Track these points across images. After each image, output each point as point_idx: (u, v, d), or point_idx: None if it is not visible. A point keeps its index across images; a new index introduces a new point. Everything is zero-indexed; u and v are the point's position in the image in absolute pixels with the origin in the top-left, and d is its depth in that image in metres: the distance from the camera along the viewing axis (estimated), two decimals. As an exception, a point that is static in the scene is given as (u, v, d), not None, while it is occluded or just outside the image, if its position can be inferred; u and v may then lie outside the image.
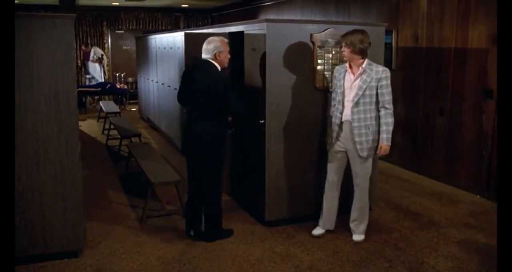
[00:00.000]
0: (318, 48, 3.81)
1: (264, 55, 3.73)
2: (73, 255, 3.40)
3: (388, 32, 5.57)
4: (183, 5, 11.74)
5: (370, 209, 3.96)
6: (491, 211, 4.41)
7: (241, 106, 3.50)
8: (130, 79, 12.26)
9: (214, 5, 11.63)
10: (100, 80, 11.47)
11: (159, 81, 7.73)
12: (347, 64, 3.54)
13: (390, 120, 3.48)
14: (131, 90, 11.59)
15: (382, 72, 3.43)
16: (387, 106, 3.46)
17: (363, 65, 3.45)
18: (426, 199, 4.80)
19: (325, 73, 3.88)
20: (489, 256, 3.49)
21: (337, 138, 3.60)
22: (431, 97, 5.44)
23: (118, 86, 11.10)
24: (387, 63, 5.44)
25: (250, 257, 3.46)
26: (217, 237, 3.73)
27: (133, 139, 6.63)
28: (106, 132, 7.77)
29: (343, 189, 3.79)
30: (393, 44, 5.91)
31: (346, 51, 3.44)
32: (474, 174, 4.92)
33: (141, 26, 12.35)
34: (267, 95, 3.73)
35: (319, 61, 3.84)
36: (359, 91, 3.43)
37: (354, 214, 3.75)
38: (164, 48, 7.23)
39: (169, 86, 6.95)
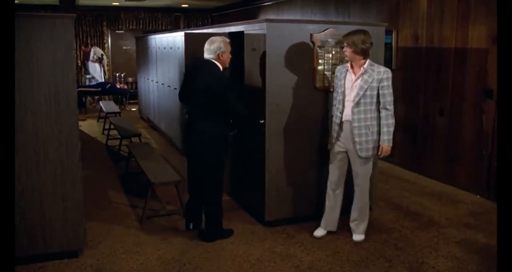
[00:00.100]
0: (318, 48, 3.81)
1: (263, 55, 3.73)
2: (73, 255, 3.40)
3: (388, 32, 5.57)
4: (183, 5, 11.74)
5: (370, 209, 3.96)
6: (491, 211, 4.41)
7: (241, 107, 3.50)
8: (130, 79, 12.26)
9: (214, 5, 11.63)
10: (100, 80, 11.46)
11: (159, 81, 7.73)
12: (348, 64, 3.54)
13: (391, 121, 3.48)
14: (131, 90, 11.59)
15: (383, 73, 3.43)
16: (388, 107, 3.46)
17: (365, 65, 3.45)
18: (426, 199, 4.80)
19: (325, 73, 3.88)
20: (489, 256, 3.49)
21: (338, 139, 3.60)
22: (431, 97, 5.44)
23: (118, 86, 11.10)
24: (387, 63, 5.43)
25: (250, 257, 3.46)
26: (217, 237, 3.73)
27: (133, 139, 6.63)
28: (106, 132, 7.77)
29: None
30: (393, 44, 5.91)
31: (348, 51, 3.44)
32: (474, 174, 4.92)
33: (141, 26, 12.35)
34: (267, 95, 3.73)
35: (319, 61, 3.84)
36: (360, 91, 3.43)
37: (354, 214, 3.75)
38: (164, 48, 7.23)
39: (169, 86, 6.95)
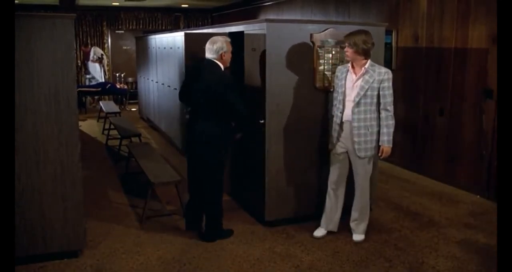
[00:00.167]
0: (318, 48, 3.81)
1: (263, 54, 3.73)
2: (73, 255, 3.40)
3: (388, 32, 5.56)
4: (183, 5, 11.74)
5: (370, 209, 3.96)
6: (491, 211, 4.41)
7: (241, 107, 3.50)
8: (130, 79, 12.26)
9: (214, 5, 11.63)
10: (100, 80, 11.46)
11: (159, 81, 7.73)
12: (349, 64, 3.54)
13: (391, 122, 3.49)
14: (131, 90, 11.59)
15: (384, 74, 3.43)
16: (388, 108, 3.47)
17: (366, 66, 3.45)
18: (426, 199, 4.80)
19: (325, 73, 3.88)
20: (489, 256, 3.49)
21: (338, 139, 3.60)
22: (431, 97, 5.44)
23: (118, 86, 11.10)
24: (387, 63, 5.43)
25: (250, 257, 3.46)
26: (217, 237, 3.73)
27: (133, 139, 6.63)
28: (106, 132, 7.77)
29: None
30: (393, 44, 5.91)
31: (349, 51, 3.44)
32: (474, 174, 4.92)
33: (141, 26, 12.35)
34: (267, 95, 3.73)
35: (319, 61, 3.84)
36: (360, 91, 3.43)
37: (354, 213, 3.76)
38: (164, 48, 7.23)
39: (169, 86, 6.95)
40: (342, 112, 3.54)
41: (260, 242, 3.72)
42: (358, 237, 3.74)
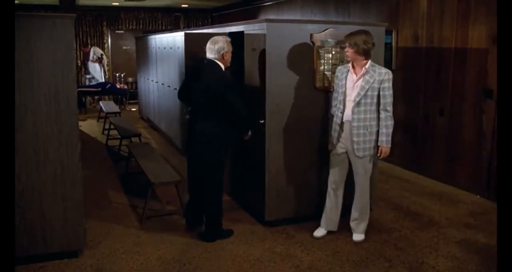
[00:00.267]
0: (318, 48, 3.81)
1: (262, 54, 3.73)
2: (73, 255, 3.40)
3: (388, 32, 5.57)
4: (183, 5, 11.74)
5: (370, 209, 3.96)
6: (491, 211, 4.41)
7: (241, 107, 3.50)
8: (130, 79, 12.26)
9: (214, 5, 11.63)
10: (100, 80, 11.46)
11: (159, 81, 7.73)
12: (349, 64, 3.54)
13: (390, 122, 3.49)
14: (131, 90, 11.59)
15: (385, 74, 3.44)
16: (388, 108, 3.47)
17: (366, 66, 3.45)
18: (426, 199, 4.80)
19: (325, 73, 3.88)
20: (489, 256, 3.49)
21: (339, 139, 3.60)
22: (431, 97, 5.44)
23: (118, 86, 11.10)
24: (387, 63, 5.43)
25: (250, 257, 3.46)
26: (217, 237, 3.73)
27: (133, 139, 6.63)
28: (106, 132, 7.77)
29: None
30: (393, 44, 5.91)
31: (349, 51, 3.44)
32: (474, 174, 4.92)
33: (141, 26, 12.35)
34: (267, 95, 3.73)
35: (319, 61, 3.84)
36: (361, 91, 3.43)
37: (354, 213, 3.76)
38: (164, 48, 7.23)
39: (169, 86, 6.95)
40: (342, 112, 3.54)
41: (260, 242, 3.72)
42: (358, 236, 3.74)
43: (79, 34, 11.71)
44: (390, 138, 3.51)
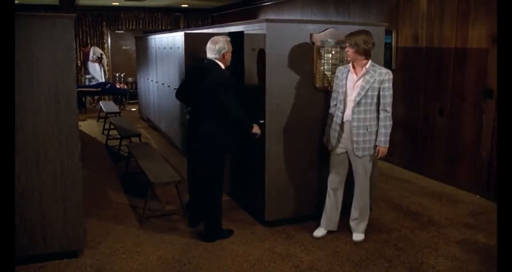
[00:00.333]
0: (318, 48, 3.81)
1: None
2: (73, 255, 3.40)
3: (388, 32, 5.57)
4: (183, 5, 11.74)
5: (370, 209, 3.96)
6: (491, 211, 4.41)
7: (234, 107, 3.45)
8: (130, 79, 12.26)
9: (214, 5, 11.63)
10: (100, 80, 11.46)
11: (159, 81, 7.73)
12: (350, 65, 3.54)
13: (389, 123, 3.49)
14: (131, 90, 11.59)
15: (385, 74, 3.44)
16: (387, 108, 3.47)
17: (367, 66, 3.45)
18: (426, 199, 4.80)
19: (325, 73, 3.88)
20: (489, 256, 3.49)
21: (339, 140, 3.60)
22: (431, 97, 5.44)
23: (118, 86, 11.10)
24: (387, 63, 5.44)
25: (250, 257, 3.46)
26: (217, 237, 3.73)
27: (133, 139, 6.63)
28: (106, 132, 7.77)
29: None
30: (393, 44, 5.91)
31: (350, 51, 3.44)
32: (474, 174, 4.92)
33: (141, 26, 12.35)
34: (267, 95, 3.73)
35: (319, 61, 3.84)
36: (361, 91, 3.43)
37: (354, 213, 3.76)
38: (164, 48, 7.23)
39: (169, 86, 6.95)
40: (343, 112, 3.55)
41: (260, 242, 3.72)
42: (358, 236, 3.74)
43: (79, 34, 11.71)
44: (388, 138, 3.51)
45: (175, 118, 6.67)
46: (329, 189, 3.75)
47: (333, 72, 3.79)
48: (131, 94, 11.31)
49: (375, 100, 3.46)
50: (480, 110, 4.80)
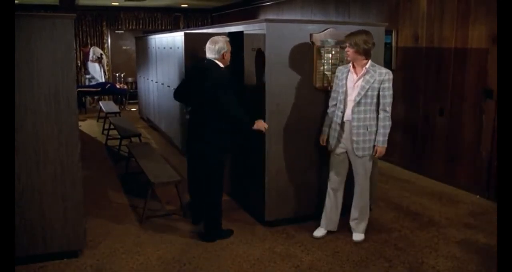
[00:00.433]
0: (318, 48, 3.81)
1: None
2: (73, 255, 3.40)
3: (388, 32, 5.57)
4: (183, 5, 11.73)
5: (370, 209, 3.96)
6: (491, 211, 4.41)
7: (231, 106, 3.44)
8: (130, 79, 12.26)
9: (214, 5, 11.63)
10: (100, 80, 11.46)
11: (159, 81, 7.73)
12: (350, 65, 3.54)
13: (388, 123, 3.49)
14: (131, 90, 11.59)
15: (385, 74, 3.44)
16: (387, 108, 3.47)
17: (367, 66, 3.45)
18: (426, 199, 4.80)
19: (325, 73, 3.88)
20: (489, 256, 3.49)
21: (339, 140, 3.60)
22: (431, 97, 5.44)
23: (118, 86, 11.10)
24: (387, 63, 5.44)
25: (250, 257, 3.46)
26: (217, 237, 3.73)
27: (133, 139, 6.63)
28: (106, 132, 7.77)
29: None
30: (393, 44, 5.91)
31: (350, 51, 3.44)
32: (474, 174, 4.92)
33: (141, 26, 12.35)
34: (267, 95, 3.73)
35: (319, 61, 3.84)
36: (361, 91, 3.43)
37: (354, 213, 3.76)
38: (164, 48, 7.23)
39: (169, 86, 6.95)
40: (343, 112, 3.55)
41: (260, 242, 3.72)
42: (358, 236, 3.74)
43: (79, 34, 11.71)
44: (386, 139, 3.51)
45: (175, 118, 6.67)
46: (329, 189, 3.75)
47: (333, 72, 3.79)
48: (131, 94, 11.31)
49: (375, 100, 3.46)
50: (480, 110, 4.80)
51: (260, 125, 3.59)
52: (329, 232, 3.82)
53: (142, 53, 9.37)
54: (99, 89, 10.77)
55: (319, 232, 3.80)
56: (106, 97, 11.56)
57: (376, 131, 3.52)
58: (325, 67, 3.87)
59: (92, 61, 11.51)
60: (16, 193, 3.11)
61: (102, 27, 12.02)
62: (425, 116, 5.55)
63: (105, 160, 6.44)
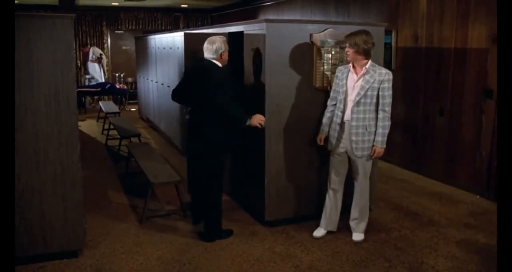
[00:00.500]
0: (318, 48, 3.81)
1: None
2: (73, 255, 3.40)
3: (388, 32, 5.57)
4: (182, 5, 11.73)
5: (370, 209, 3.96)
6: (491, 211, 4.42)
7: (225, 100, 3.43)
8: (129, 79, 12.26)
9: (214, 5, 11.63)
10: (100, 80, 11.46)
11: (159, 81, 7.73)
12: (350, 65, 3.54)
13: (387, 123, 3.49)
14: (131, 90, 11.59)
15: (385, 74, 3.44)
16: (386, 109, 3.47)
17: (367, 66, 3.45)
18: (426, 199, 4.80)
19: (325, 73, 3.88)
20: (489, 256, 3.49)
21: (339, 140, 3.60)
22: (431, 97, 5.44)
23: (117, 86, 11.10)
24: (387, 63, 5.44)
25: (250, 257, 3.46)
26: (217, 237, 3.73)
27: (132, 139, 6.63)
28: (105, 132, 7.77)
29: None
30: (393, 44, 5.91)
31: (350, 51, 3.44)
32: (474, 174, 4.92)
33: (140, 26, 12.35)
34: (267, 95, 3.73)
35: (319, 61, 3.85)
36: (361, 91, 3.43)
37: (354, 213, 3.76)
38: (164, 48, 7.23)
39: (168, 86, 6.94)
40: (343, 112, 3.55)
41: (260, 242, 3.72)
42: (358, 236, 3.74)
43: (79, 34, 11.71)
44: (385, 139, 3.51)
45: (175, 118, 6.67)
46: (329, 189, 3.75)
47: (333, 72, 3.79)
48: (131, 94, 11.31)
49: (374, 100, 3.46)
50: (480, 110, 4.80)
51: (255, 120, 3.50)
52: (329, 232, 3.82)
53: (142, 53, 9.37)
54: (99, 89, 10.77)
55: (319, 232, 3.80)
56: (106, 97, 11.56)
57: (375, 131, 3.52)
58: (325, 67, 3.88)
59: (92, 61, 11.51)
60: (16, 193, 3.11)
61: (102, 27, 12.02)
62: (425, 116, 5.55)
63: (105, 160, 6.44)
